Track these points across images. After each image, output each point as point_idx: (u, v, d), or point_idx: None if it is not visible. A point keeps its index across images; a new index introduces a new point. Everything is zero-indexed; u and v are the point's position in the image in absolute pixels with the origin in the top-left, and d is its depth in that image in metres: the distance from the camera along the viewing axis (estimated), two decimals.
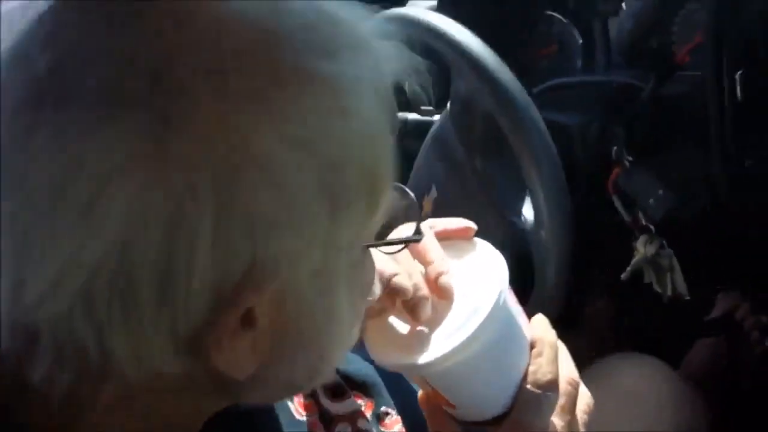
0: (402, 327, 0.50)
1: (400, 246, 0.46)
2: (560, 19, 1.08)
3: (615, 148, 0.87)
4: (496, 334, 0.47)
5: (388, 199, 0.38)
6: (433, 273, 0.49)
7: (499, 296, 0.46)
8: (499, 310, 0.46)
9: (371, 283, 0.43)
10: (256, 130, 0.31)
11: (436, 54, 0.83)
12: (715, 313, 1.14)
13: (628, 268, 0.86)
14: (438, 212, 0.93)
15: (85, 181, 0.29)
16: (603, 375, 0.90)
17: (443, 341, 0.46)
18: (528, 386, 0.49)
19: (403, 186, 0.44)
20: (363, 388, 0.59)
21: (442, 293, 0.48)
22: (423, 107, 1.10)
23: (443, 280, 0.49)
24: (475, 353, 0.46)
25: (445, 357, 0.46)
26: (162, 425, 0.38)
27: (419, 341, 0.48)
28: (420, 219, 0.46)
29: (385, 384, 0.60)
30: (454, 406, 0.51)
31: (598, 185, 0.89)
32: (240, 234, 0.31)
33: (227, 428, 0.41)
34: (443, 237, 0.53)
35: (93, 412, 0.35)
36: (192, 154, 0.30)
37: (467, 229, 0.53)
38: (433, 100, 1.11)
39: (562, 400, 0.51)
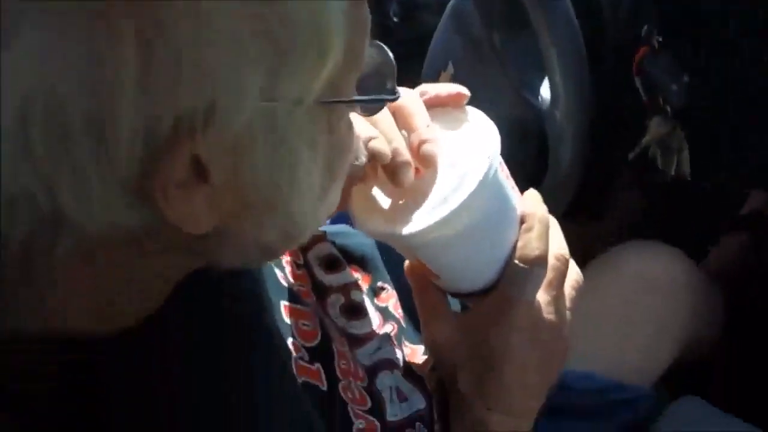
0: (387, 196, 0.49)
1: (376, 107, 0.43)
2: None
3: (646, 26, 0.81)
4: (484, 207, 0.45)
5: (358, 52, 0.36)
6: (416, 140, 0.47)
7: (489, 168, 0.44)
8: (487, 182, 0.44)
9: (348, 145, 0.41)
10: None
11: None
12: (745, 209, 1.10)
13: (636, 148, 0.82)
14: None
15: None
16: (617, 259, 0.88)
17: (427, 212, 0.45)
18: (515, 261, 0.48)
19: (379, 43, 0.41)
20: (361, 262, 0.59)
21: (425, 162, 0.47)
22: None
23: (426, 147, 0.47)
24: (460, 226, 0.45)
25: (428, 229, 0.45)
26: (128, 282, 0.38)
27: (404, 211, 0.47)
28: (395, 77, 0.43)
29: (384, 259, 0.60)
30: (438, 277, 0.50)
31: (623, 63, 0.84)
32: (166, 75, 0.29)
33: (199, 288, 0.41)
34: (434, 104, 0.50)
35: (50, 265, 0.35)
36: None
37: (459, 95, 0.50)
38: None
39: (549, 276, 0.50)
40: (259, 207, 0.36)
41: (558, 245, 0.51)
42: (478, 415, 0.50)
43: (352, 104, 0.39)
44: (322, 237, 0.58)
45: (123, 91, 0.29)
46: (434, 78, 0.92)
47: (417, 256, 0.49)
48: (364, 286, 0.58)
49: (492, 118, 0.83)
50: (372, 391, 0.51)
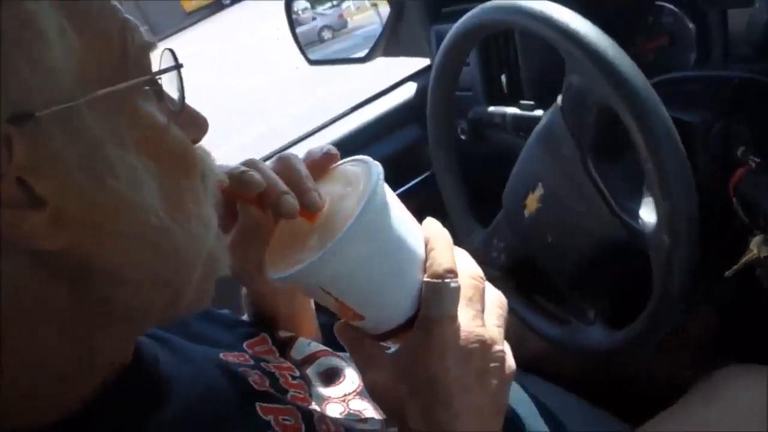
0: (291, 237, 0.51)
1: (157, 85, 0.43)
2: (672, 9, 1.02)
3: (742, 148, 0.81)
4: (377, 228, 0.47)
5: (105, 39, 0.39)
6: (299, 193, 0.50)
7: (374, 189, 0.47)
8: (374, 206, 0.47)
9: (179, 151, 0.42)
10: None
11: (543, 44, 0.79)
12: None
13: (735, 266, 0.79)
14: (545, 210, 0.88)
15: None
16: (711, 390, 0.85)
17: (323, 244, 0.47)
18: (426, 281, 0.49)
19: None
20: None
21: (312, 209, 0.49)
22: (523, 102, 1.05)
23: (310, 195, 0.50)
24: (357, 251, 0.46)
25: (326, 258, 0.46)
26: (47, 368, 0.39)
27: (305, 249, 0.48)
28: (176, 60, 0.44)
29: None
30: (363, 317, 0.50)
31: (716, 186, 0.83)
32: None
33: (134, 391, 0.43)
34: (312, 166, 0.53)
35: None
36: None
37: (328, 155, 0.53)
38: (538, 93, 1.06)
39: (468, 293, 0.50)
40: (102, 211, 0.38)
41: (469, 266, 0.52)
42: None
43: (144, 92, 0.41)
44: (322, 352, 0.60)
45: None
46: (522, 199, 0.91)
47: (333, 296, 0.49)
48: None
49: (586, 241, 0.82)
50: None
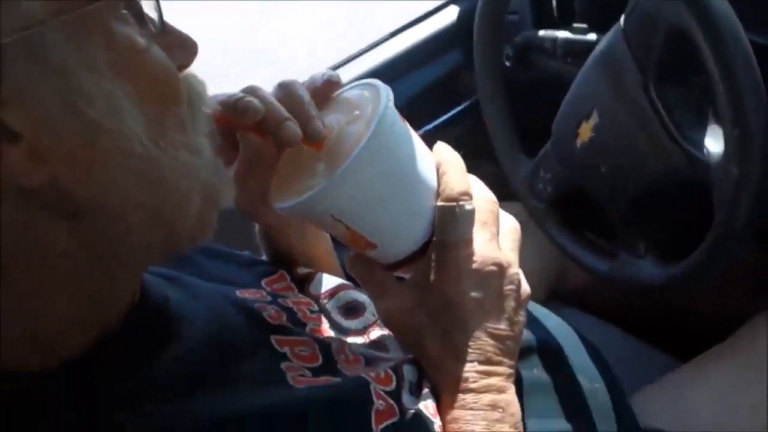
0: (296, 166, 0.49)
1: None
2: None
3: None
4: (388, 152, 0.46)
5: None
6: (302, 122, 0.48)
7: (384, 111, 0.45)
8: (384, 128, 0.45)
9: (160, 76, 0.40)
10: None
11: None
12: None
13: None
14: (600, 138, 0.85)
15: None
16: (764, 327, 0.83)
17: (335, 169, 0.45)
18: (439, 205, 0.48)
19: None
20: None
21: (316, 138, 0.48)
22: (575, 25, 1.00)
23: (313, 124, 0.47)
24: (369, 175, 0.45)
25: (335, 185, 0.44)
26: (53, 309, 0.38)
27: (313, 177, 0.47)
28: None
29: None
30: (375, 245, 0.49)
31: None
32: None
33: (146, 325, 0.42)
34: (315, 94, 0.51)
35: None
36: None
37: (329, 82, 0.51)
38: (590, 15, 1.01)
39: (482, 217, 0.49)
40: (82, 141, 0.36)
41: (482, 190, 0.51)
42: (456, 372, 0.47)
43: (113, 9, 0.38)
44: (342, 286, 0.59)
45: None
46: (574, 128, 0.87)
47: (345, 223, 0.48)
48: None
49: (644, 171, 0.78)
50: (398, 373, 0.50)
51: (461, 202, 0.48)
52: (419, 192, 0.49)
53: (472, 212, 0.49)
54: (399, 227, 0.49)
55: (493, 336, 0.48)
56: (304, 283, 0.60)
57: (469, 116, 1.20)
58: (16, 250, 0.36)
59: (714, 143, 0.74)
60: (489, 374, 0.48)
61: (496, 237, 0.50)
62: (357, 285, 0.60)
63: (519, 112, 1.07)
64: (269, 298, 0.55)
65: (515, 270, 0.50)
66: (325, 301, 0.58)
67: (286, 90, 0.50)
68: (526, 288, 0.51)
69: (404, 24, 1.26)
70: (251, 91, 0.49)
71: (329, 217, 0.47)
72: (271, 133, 0.48)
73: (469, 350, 0.48)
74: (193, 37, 0.44)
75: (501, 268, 0.49)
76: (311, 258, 0.63)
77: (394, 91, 0.48)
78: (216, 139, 0.44)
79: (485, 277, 0.48)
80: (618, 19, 0.82)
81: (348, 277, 0.63)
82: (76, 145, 0.36)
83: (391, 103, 0.47)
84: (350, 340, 0.55)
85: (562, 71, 1.04)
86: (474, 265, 0.48)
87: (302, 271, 0.61)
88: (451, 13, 1.26)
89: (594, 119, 0.85)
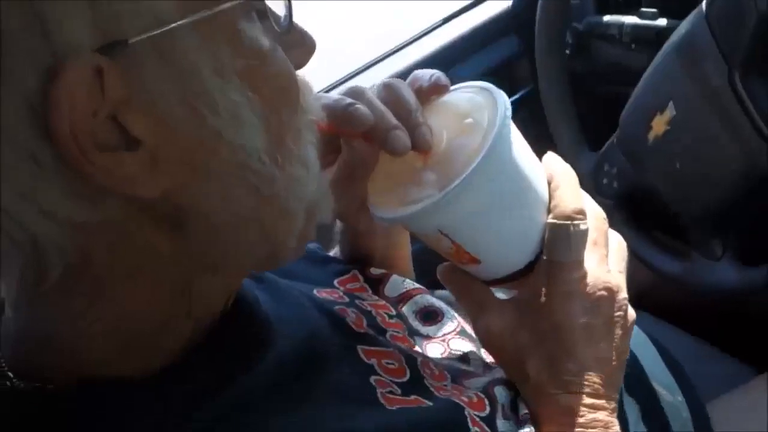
0: (403, 179, 0.46)
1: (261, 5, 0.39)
2: None
3: None
4: (500, 172, 0.44)
5: None
6: (409, 127, 0.45)
7: (500, 125, 0.43)
8: (499, 148, 0.43)
9: (283, 82, 0.38)
10: None
11: None
12: None
13: None
14: (676, 132, 0.79)
15: None
16: None
17: (446, 184, 0.43)
18: (551, 222, 0.46)
19: None
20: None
21: (422, 145, 0.45)
22: (644, 9, 0.94)
23: (421, 131, 0.45)
24: (482, 192, 0.43)
25: (448, 199, 0.42)
26: (147, 315, 0.37)
27: (423, 187, 0.44)
28: None
29: None
30: (478, 262, 0.46)
31: None
32: (7, 39, 0.29)
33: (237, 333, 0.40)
34: (421, 95, 0.48)
35: (53, 306, 0.35)
36: None
37: (438, 85, 0.48)
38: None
39: (593, 235, 0.47)
40: (203, 153, 0.34)
41: (592, 205, 0.49)
42: (563, 403, 0.45)
43: (250, 15, 0.36)
44: (417, 290, 0.56)
45: None
46: (646, 121, 0.82)
47: (450, 238, 0.45)
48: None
49: (725, 169, 0.73)
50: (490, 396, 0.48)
51: (575, 221, 0.45)
52: (532, 208, 0.47)
53: (585, 232, 0.46)
54: (508, 244, 0.47)
55: (601, 367, 0.46)
56: (377, 285, 0.57)
57: (526, 106, 1.15)
58: (116, 254, 0.35)
59: None
60: (596, 408, 0.45)
61: (606, 258, 0.48)
62: (430, 288, 0.58)
63: (579, 102, 1.02)
64: (347, 299, 0.53)
65: (624, 295, 0.48)
66: (401, 304, 0.56)
67: (391, 92, 0.47)
68: (632, 314, 0.49)
69: (457, 10, 1.22)
70: (357, 95, 0.46)
71: (436, 232, 0.45)
72: (379, 141, 0.45)
73: (577, 380, 0.45)
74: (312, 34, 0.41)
75: (611, 293, 0.47)
76: (389, 260, 0.60)
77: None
78: (319, 146, 0.42)
79: (596, 302, 0.46)
80: (691, 3, 0.77)
81: (419, 279, 0.61)
82: (197, 155, 0.34)
83: (509, 113, 0.44)
84: (430, 348, 0.53)
85: (626, 60, 0.99)
86: (585, 289, 0.46)
87: (375, 272, 0.58)
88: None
89: (670, 112, 0.79)
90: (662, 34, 0.88)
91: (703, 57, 0.74)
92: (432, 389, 0.46)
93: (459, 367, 0.51)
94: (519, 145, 0.45)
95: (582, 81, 1.06)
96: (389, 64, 1.16)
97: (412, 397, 0.44)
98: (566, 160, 0.98)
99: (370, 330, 0.50)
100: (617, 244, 0.50)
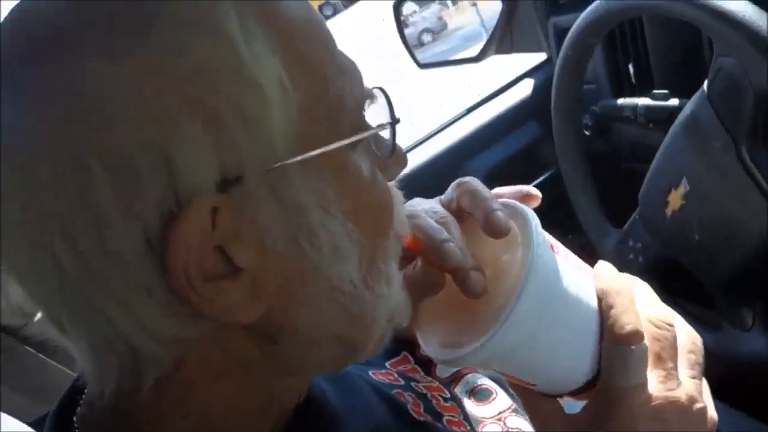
0: (452, 312, 0.46)
1: (390, 145, 0.40)
2: None
3: None
4: (545, 305, 0.41)
5: (338, 93, 0.35)
6: (482, 215, 0.44)
7: (535, 258, 0.41)
8: (540, 279, 0.41)
9: (377, 199, 0.38)
10: (99, 69, 0.31)
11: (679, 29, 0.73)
12: None
13: None
14: (691, 206, 0.82)
15: None
16: None
17: (488, 324, 0.42)
18: (607, 344, 0.44)
19: (379, 87, 0.40)
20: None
21: (497, 232, 0.44)
22: (656, 91, 0.98)
23: (495, 217, 0.44)
24: (527, 328, 0.41)
25: (485, 350, 0.41)
26: (231, 413, 0.38)
27: (466, 328, 0.44)
28: (391, 107, 0.40)
29: None
30: (534, 385, 0.45)
31: None
32: (128, 176, 0.31)
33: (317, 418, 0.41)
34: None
35: (144, 405, 0.36)
36: (57, 113, 0.31)
37: (529, 195, 0.49)
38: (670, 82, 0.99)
39: (656, 348, 0.44)
40: (303, 283, 0.35)
41: (655, 311, 0.46)
42: None
43: (359, 146, 0.37)
44: (467, 369, 0.55)
45: (103, 205, 0.31)
46: (663, 196, 0.85)
47: (500, 372, 0.45)
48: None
49: (743, 239, 0.74)
50: None
51: (633, 346, 0.43)
52: (582, 331, 0.44)
53: (644, 353, 0.43)
54: (560, 370, 0.45)
55: None
56: (429, 366, 0.57)
57: (550, 187, 1.18)
58: (208, 362, 0.36)
59: None
60: None
61: (674, 371, 0.44)
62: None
63: (600, 181, 1.05)
64: (402, 382, 0.53)
65: (699, 405, 0.44)
66: (453, 385, 0.55)
67: (475, 189, 0.47)
68: (713, 415, 0.46)
69: (481, 99, 1.28)
70: (447, 225, 0.46)
71: (486, 367, 0.46)
72: (458, 281, 0.44)
73: None
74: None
75: (680, 409, 0.44)
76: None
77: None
78: (399, 263, 0.42)
79: (663, 423, 0.43)
80: (700, 83, 0.81)
81: None
82: (294, 284, 0.35)
83: (542, 237, 0.43)
84: (487, 430, 0.52)
85: (644, 139, 1.02)
86: (650, 412, 0.43)
87: (424, 352, 0.60)
88: (526, 87, 1.26)
89: (684, 187, 0.82)
90: (674, 113, 0.91)
91: (709, 134, 0.77)
92: None
93: None
94: (560, 267, 0.43)
95: (603, 160, 1.09)
96: (420, 151, 1.21)
97: None
98: (592, 237, 1.02)
99: (428, 416, 0.49)
100: (689, 344, 0.47)
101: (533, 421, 0.48)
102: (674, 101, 0.96)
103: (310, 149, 0.34)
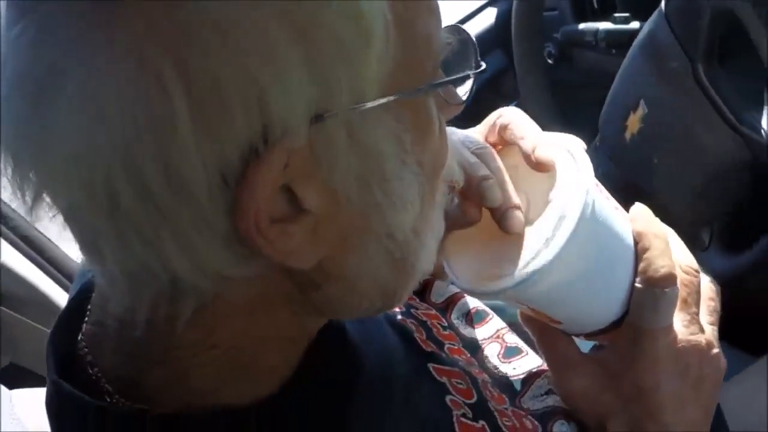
0: (484, 243, 0.45)
1: (463, 92, 0.38)
2: None
3: None
4: (591, 240, 0.41)
5: (423, 36, 0.33)
6: (529, 146, 0.43)
7: (587, 197, 0.40)
8: (588, 213, 0.40)
9: (443, 151, 0.37)
10: None
11: None
12: None
13: None
14: (650, 129, 0.82)
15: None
16: None
17: (529, 260, 0.41)
18: (640, 285, 0.44)
19: (454, 24, 0.38)
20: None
21: (541, 167, 0.43)
22: (617, 14, 0.97)
23: (541, 152, 0.43)
24: (569, 267, 0.41)
25: (533, 279, 0.40)
26: (253, 346, 0.37)
27: (504, 260, 0.42)
28: (477, 53, 0.38)
29: None
30: (559, 322, 0.45)
31: None
32: (212, 104, 0.28)
33: (330, 358, 0.40)
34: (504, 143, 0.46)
35: (179, 338, 0.35)
36: (136, 27, 0.28)
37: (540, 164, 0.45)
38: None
39: (683, 293, 0.44)
40: (362, 229, 0.34)
41: (684, 258, 0.46)
42: None
43: (440, 91, 0.35)
44: (460, 294, 0.55)
45: (181, 134, 0.28)
46: (621, 120, 0.84)
47: (531, 307, 0.45)
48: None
49: (700, 159, 0.75)
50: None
51: (665, 288, 0.43)
52: (617, 272, 0.44)
53: (675, 297, 0.44)
54: (592, 308, 0.45)
55: (689, 426, 0.45)
56: (423, 292, 0.56)
57: None
58: (246, 298, 0.35)
59: None
60: None
61: (697, 316, 0.45)
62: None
63: (567, 111, 1.04)
64: (404, 308, 0.52)
65: (715, 351, 0.45)
66: (449, 311, 0.55)
67: (514, 119, 0.46)
68: (723, 365, 0.46)
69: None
70: (486, 158, 0.45)
71: (514, 302, 0.45)
72: (497, 217, 0.43)
73: None
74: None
75: (701, 353, 0.44)
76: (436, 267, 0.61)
77: None
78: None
79: (685, 367, 0.44)
80: (659, 4, 0.80)
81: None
82: (350, 230, 0.34)
83: (593, 187, 0.41)
84: (488, 349, 0.52)
85: (608, 64, 1.01)
86: (673, 355, 0.44)
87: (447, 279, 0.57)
88: (489, 16, 1.24)
89: (642, 109, 0.81)
90: (634, 36, 0.91)
91: (666, 54, 0.76)
92: (496, 414, 0.45)
93: (512, 385, 0.50)
94: (604, 214, 0.42)
95: (567, 88, 1.08)
96: None
97: (480, 423, 0.43)
98: None
99: (432, 345, 0.49)
100: (708, 292, 0.48)
101: (548, 358, 0.48)
102: (635, 24, 0.95)
103: (396, 91, 0.32)
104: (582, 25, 1.02)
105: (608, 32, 0.97)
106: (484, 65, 0.38)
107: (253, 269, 0.32)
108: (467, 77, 0.38)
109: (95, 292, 0.39)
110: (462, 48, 0.39)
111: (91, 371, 0.37)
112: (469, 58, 0.39)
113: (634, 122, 0.83)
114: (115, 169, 0.28)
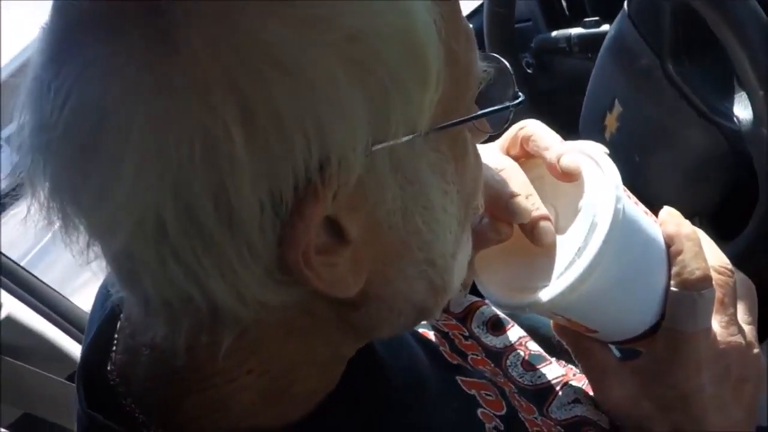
0: (515, 256, 0.44)
1: (502, 121, 0.39)
2: None
3: None
4: (623, 247, 0.41)
5: (467, 68, 0.34)
6: (553, 156, 0.43)
7: (617, 204, 0.40)
8: (619, 220, 0.40)
9: (478, 178, 0.38)
10: (261, 21, 0.28)
11: None
12: None
13: None
14: (627, 128, 0.83)
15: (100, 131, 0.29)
16: None
17: (563, 271, 0.41)
18: (675, 289, 0.43)
19: (491, 54, 0.39)
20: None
21: (568, 177, 0.43)
22: (587, 19, 0.99)
23: (566, 161, 0.43)
24: (603, 276, 0.41)
25: (569, 290, 0.40)
26: (292, 369, 0.37)
27: (535, 272, 0.42)
28: (514, 84, 0.39)
29: None
30: (596, 332, 0.45)
31: None
32: (272, 139, 0.28)
33: (363, 378, 0.40)
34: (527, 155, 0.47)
35: (217, 360, 0.34)
36: (198, 64, 0.28)
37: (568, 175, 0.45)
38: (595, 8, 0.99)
39: (719, 294, 0.44)
40: (401, 256, 0.34)
41: (716, 257, 0.46)
42: None
43: (474, 122, 0.35)
44: (479, 302, 0.55)
45: (237, 166, 0.28)
46: (599, 121, 0.85)
47: (566, 317, 0.44)
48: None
49: (679, 153, 0.76)
50: None
51: (702, 290, 0.43)
52: (650, 278, 0.44)
53: (711, 299, 0.43)
54: (627, 315, 0.45)
55: (731, 428, 0.45)
56: None
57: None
58: (284, 323, 0.34)
59: (743, 110, 0.71)
60: None
61: (735, 316, 0.45)
62: (483, 298, 0.56)
63: (548, 119, 1.05)
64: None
65: (756, 350, 0.45)
66: (468, 320, 0.54)
67: (538, 133, 0.46)
68: (764, 364, 0.46)
69: None
70: (511, 174, 0.44)
71: (548, 313, 0.45)
72: (527, 230, 0.43)
73: None
74: None
75: (742, 354, 0.44)
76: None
77: None
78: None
79: (725, 369, 0.44)
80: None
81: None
82: (392, 257, 0.34)
83: (622, 194, 0.42)
84: (511, 358, 0.52)
85: (583, 69, 1.03)
86: (714, 357, 0.44)
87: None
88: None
89: (617, 108, 0.83)
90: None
91: (634, 53, 0.78)
92: (527, 424, 0.45)
93: (542, 384, 0.50)
94: (634, 220, 0.42)
95: (548, 97, 1.10)
96: None
97: None
98: None
99: (458, 356, 0.48)
100: (745, 290, 0.47)
101: (585, 368, 0.48)
102: (605, 27, 0.96)
103: (441, 122, 0.32)
104: (555, 33, 1.04)
105: (580, 37, 0.98)
106: (522, 97, 0.38)
107: (294, 296, 0.32)
108: (506, 108, 0.38)
109: (123, 321, 0.39)
110: (499, 77, 0.39)
111: (124, 402, 0.37)
112: (506, 88, 0.39)
113: (611, 121, 0.84)
114: (166, 201, 0.28)
